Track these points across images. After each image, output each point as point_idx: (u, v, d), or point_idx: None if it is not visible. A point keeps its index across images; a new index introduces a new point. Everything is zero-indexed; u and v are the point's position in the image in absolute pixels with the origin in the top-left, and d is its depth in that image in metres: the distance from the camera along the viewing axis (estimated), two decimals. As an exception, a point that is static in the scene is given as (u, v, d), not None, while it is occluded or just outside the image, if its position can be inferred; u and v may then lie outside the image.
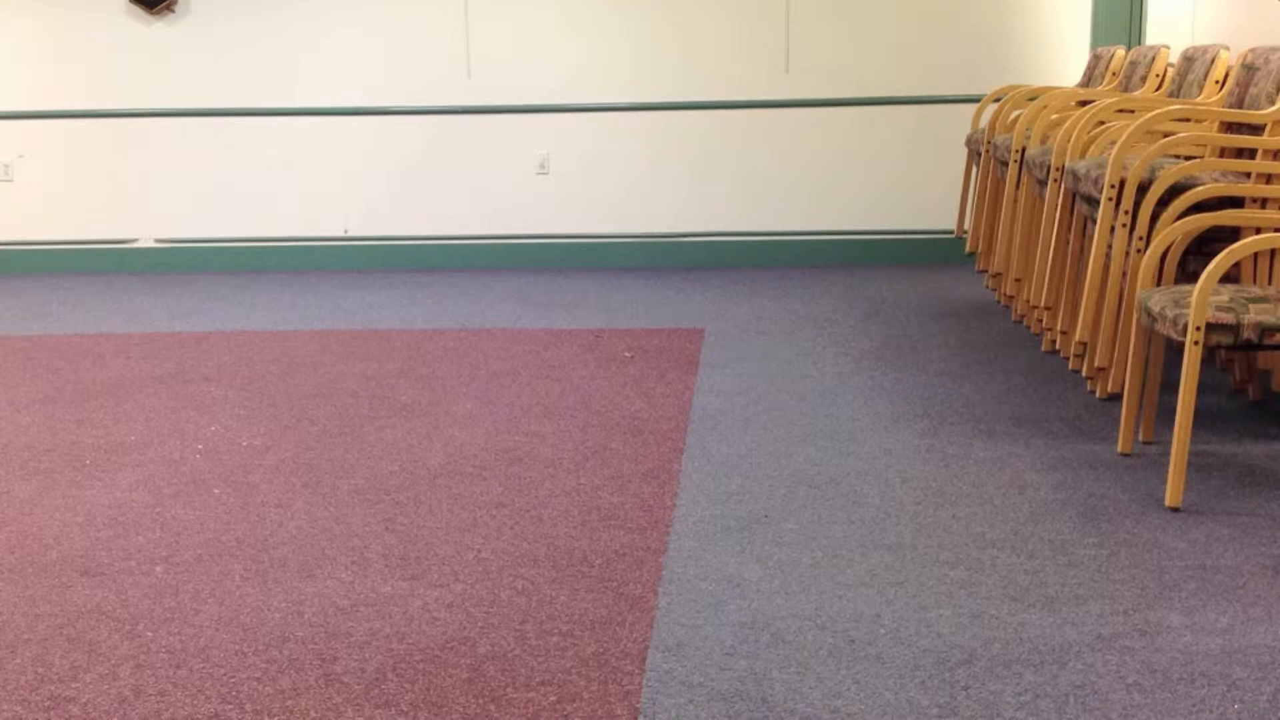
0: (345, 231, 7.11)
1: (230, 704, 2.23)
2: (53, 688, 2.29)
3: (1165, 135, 4.06)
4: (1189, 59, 4.71)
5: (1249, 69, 4.12)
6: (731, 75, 6.79)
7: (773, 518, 3.11)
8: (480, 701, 2.23)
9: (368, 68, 6.92)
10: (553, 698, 2.24)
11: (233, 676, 2.33)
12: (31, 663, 2.39)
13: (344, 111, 6.96)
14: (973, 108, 6.16)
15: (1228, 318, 3.07)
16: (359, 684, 2.30)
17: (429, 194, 7.02)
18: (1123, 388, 3.63)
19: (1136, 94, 4.94)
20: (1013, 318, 5.27)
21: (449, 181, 7.00)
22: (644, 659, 2.38)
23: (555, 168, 6.94)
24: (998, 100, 5.70)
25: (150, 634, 2.51)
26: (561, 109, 6.85)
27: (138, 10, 6.83)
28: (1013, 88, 5.72)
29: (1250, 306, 3.11)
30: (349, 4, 6.86)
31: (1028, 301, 4.94)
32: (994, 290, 5.71)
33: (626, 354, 4.88)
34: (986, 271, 5.66)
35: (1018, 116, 5.17)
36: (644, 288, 6.31)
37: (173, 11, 6.85)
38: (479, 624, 2.54)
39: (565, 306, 5.86)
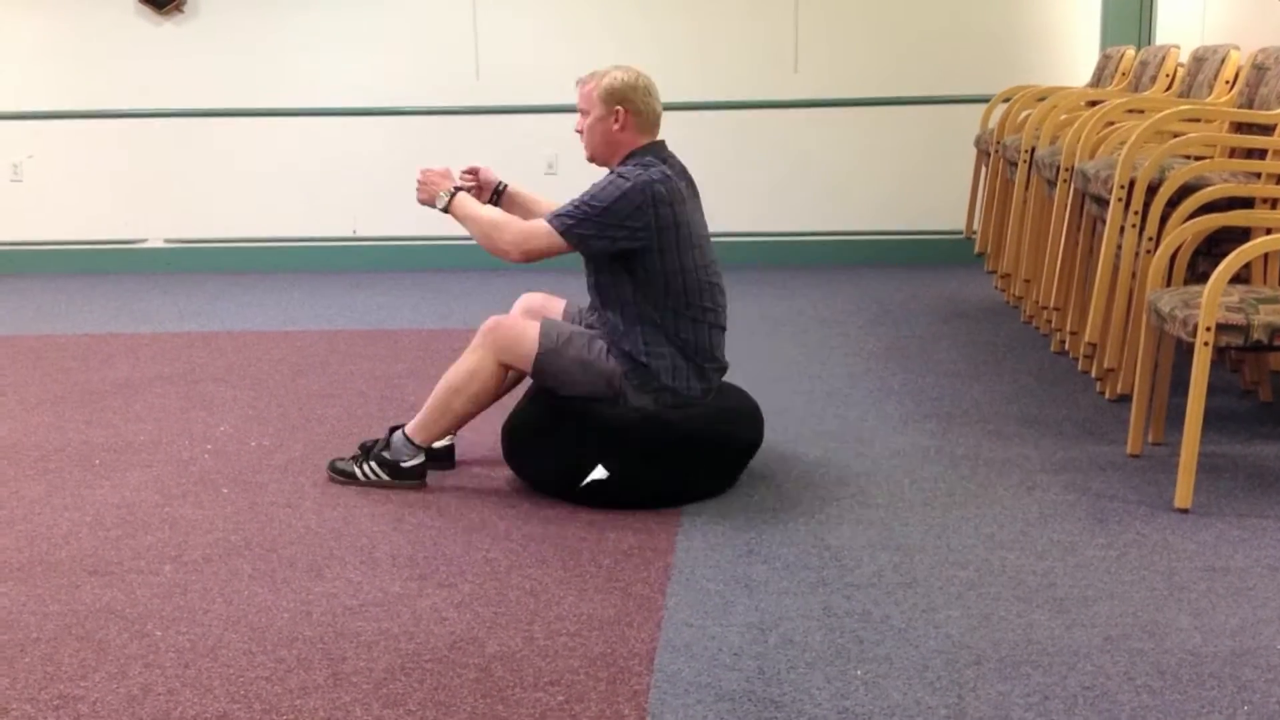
0: (354, 232, 7.12)
1: (239, 703, 2.23)
2: (62, 686, 2.30)
3: (1175, 135, 4.05)
4: (1199, 59, 4.70)
5: (1259, 69, 4.11)
6: (740, 75, 6.79)
7: (781, 518, 3.11)
8: (488, 701, 2.23)
9: (376, 68, 6.93)
10: (560, 698, 2.24)
11: (241, 676, 2.33)
12: (41, 662, 2.39)
13: (352, 112, 6.97)
14: (982, 108, 6.14)
15: (1238, 318, 3.06)
16: (368, 683, 2.30)
17: (437, 194, 7.02)
18: (1132, 389, 3.63)
19: (1146, 94, 4.93)
20: (1022, 318, 5.26)
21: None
22: (652, 659, 2.38)
23: (564, 168, 6.94)
24: (1007, 100, 5.70)
25: (159, 633, 2.51)
26: (570, 109, 6.83)
27: (147, 10, 6.84)
28: (1022, 88, 5.71)
29: (1260, 307, 3.10)
30: (358, 5, 6.87)
31: (1037, 302, 4.93)
32: (1003, 291, 5.70)
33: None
34: (995, 272, 5.65)
35: (1027, 117, 5.17)
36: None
37: (182, 12, 6.86)
38: (487, 624, 2.54)
39: (573, 307, 5.85)
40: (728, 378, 3.46)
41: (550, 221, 3.22)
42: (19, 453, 3.73)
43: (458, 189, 3.40)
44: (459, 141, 6.98)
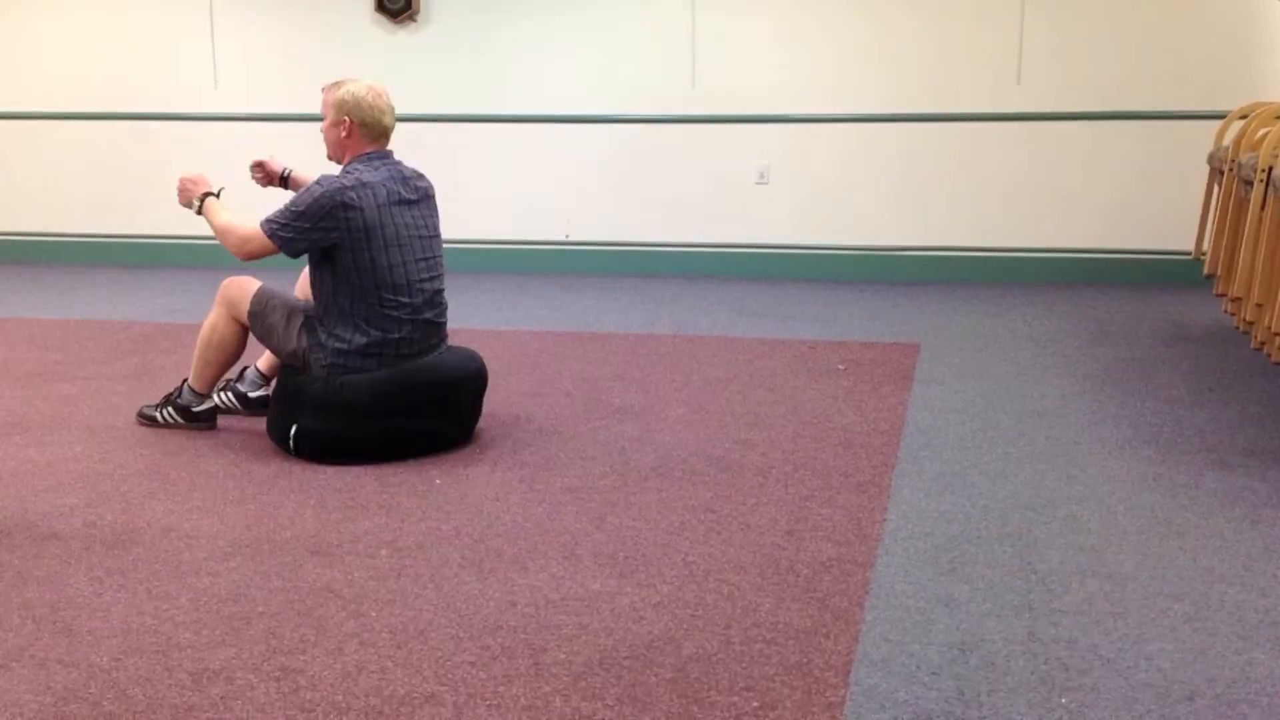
0: (566, 236, 7.28)
1: (446, 686, 2.32)
2: (283, 659, 2.43)
3: None
4: None
5: None
6: (960, 87, 6.66)
7: (985, 538, 3.04)
8: (683, 702, 2.26)
9: (594, 75, 7.07)
10: (755, 704, 2.25)
11: (449, 659, 2.42)
12: (264, 634, 2.53)
13: (569, 119, 7.13)
14: (1215, 125, 5.88)
15: None
16: (567, 675, 2.35)
17: (649, 201, 7.12)
18: (1373, 423, 3.41)
19: (1400, 111, 4.63)
20: (1252, 345, 5.01)
21: (669, 189, 7.08)
22: (848, 672, 2.36)
23: (775, 178, 6.94)
24: (1244, 117, 5.43)
25: (374, 614, 2.62)
26: (784, 119, 6.85)
27: (382, 19, 7.15)
28: (1261, 104, 5.44)
29: None
30: (579, 13, 7.02)
31: (1269, 328, 4.68)
32: (1233, 315, 5.43)
33: (840, 366, 4.85)
34: (1225, 296, 5.39)
35: (1265, 134, 4.92)
36: (860, 301, 6.25)
37: (414, 20, 7.14)
38: (684, 626, 2.56)
39: (780, 317, 5.85)
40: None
41: (262, 226, 3.69)
42: (250, 437, 3.94)
43: (207, 194, 3.86)
44: (671, 150, 7.06)
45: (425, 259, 3.80)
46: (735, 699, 2.27)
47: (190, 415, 3.99)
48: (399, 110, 7.63)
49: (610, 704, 2.25)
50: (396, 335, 3.69)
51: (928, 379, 4.63)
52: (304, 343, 3.73)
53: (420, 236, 3.80)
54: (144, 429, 4.02)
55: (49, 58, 7.60)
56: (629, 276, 6.99)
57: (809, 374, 4.73)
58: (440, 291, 3.85)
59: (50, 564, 2.88)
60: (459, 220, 7.35)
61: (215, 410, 4.03)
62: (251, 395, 4.12)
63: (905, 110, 6.74)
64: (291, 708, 2.22)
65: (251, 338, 3.95)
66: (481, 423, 4.06)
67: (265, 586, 2.77)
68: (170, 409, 4.01)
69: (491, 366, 4.90)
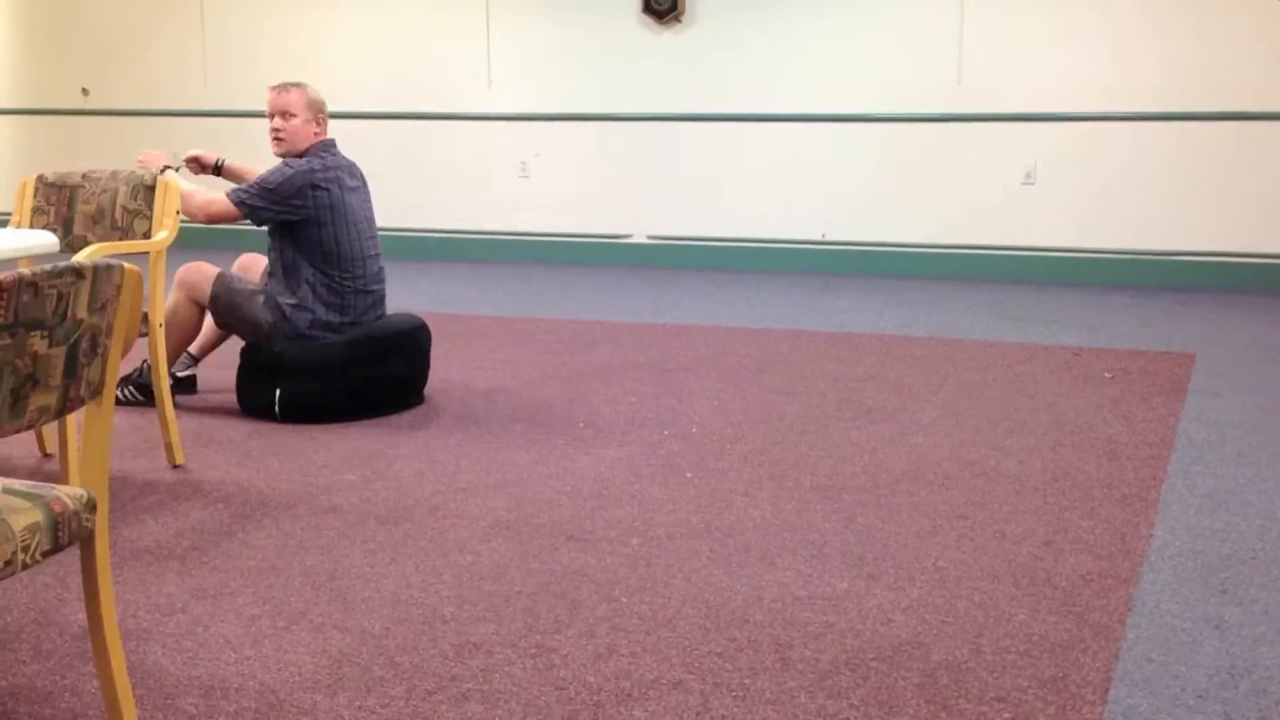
0: (823, 236, 7.25)
1: (693, 674, 2.36)
2: (539, 637, 2.52)
3: None
4: None
5: None
6: (1242, 83, 6.29)
7: (1261, 560, 2.88)
8: (931, 708, 2.23)
9: (857, 74, 7.01)
10: (1007, 715, 2.20)
11: (696, 649, 2.46)
12: (522, 613, 2.64)
13: (831, 117, 7.10)
14: None
15: None
16: (813, 673, 2.36)
17: (907, 201, 7.01)
18: None
19: None
20: None
21: (930, 189, 6.96)
22: (1106, 689, 2.28)
23: (1042, 178, 6.73)
24: None
25: (625, 600, 2.69)
26: (1053, 118, 6.63)
27: (649, 20, 7.29)
28: None
29: None
30: (844, 12, 6.98)
31: None
32: None
33: (1106, 374, 4.66)
34: None
35: None
36: (1130, 306, 5.99)
37: (680, 21, 7.25)
38: (933, 631, 2.53)
39: (1043, 321, 5.67)
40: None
41: (229, 195, 4.11)
42: (512, 423, 4.10)
43: (166, 168, 4.12)
44: (933, 149, 6.93)
45: (371, 237, 4.26)
46: (985, 709, 2.22)
47: (149, 393, 4.23)
48: (663, 109, 7.80)
49: (856, 704, 2.24)
50: (353, 304, 4.17)
51: (1203, 390, 4.40)
52: (270, 317, 4.14)
53: (367, 218, 4.26)
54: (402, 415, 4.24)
55: (330, 58, 8.08)
56: (885, 277, 6.90)
57: (1073, 381, 4.57)
58: (382, 268, 4.31)
59: (329, 535, 3.08)
60: (717, 219, 7.43)
61: (173, 390, 4.27)
62: (179, 375, 4.40)
63: (1182, 109, 6.41)
64: (546, 684, 2.31)
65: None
66: (733, 417, 4.11)
67: (524, 567, 2.88)
68: (131, 387, 4.33)
69: (745, 364, 4.95)
